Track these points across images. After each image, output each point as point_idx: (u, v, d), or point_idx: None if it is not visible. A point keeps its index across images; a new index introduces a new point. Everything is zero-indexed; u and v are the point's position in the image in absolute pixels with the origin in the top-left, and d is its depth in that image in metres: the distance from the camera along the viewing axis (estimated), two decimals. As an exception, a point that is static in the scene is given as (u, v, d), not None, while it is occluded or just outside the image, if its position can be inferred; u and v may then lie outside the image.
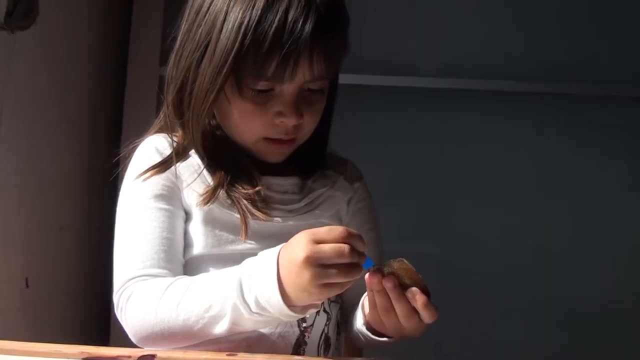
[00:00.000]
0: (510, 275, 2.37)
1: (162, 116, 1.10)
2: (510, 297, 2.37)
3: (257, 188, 1.04)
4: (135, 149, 1.10)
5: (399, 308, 0.90)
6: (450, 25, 2.45)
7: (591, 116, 2.40)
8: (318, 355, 1.05)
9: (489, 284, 2.35)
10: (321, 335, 1.06)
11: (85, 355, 0.84)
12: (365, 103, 2.38)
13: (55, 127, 1.88)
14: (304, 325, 1.03)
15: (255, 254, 0.93)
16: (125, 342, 0.96)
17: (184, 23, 1.04)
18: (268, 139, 1.03)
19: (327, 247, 0.84)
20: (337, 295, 1.11)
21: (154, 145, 1.08)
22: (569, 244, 2.39)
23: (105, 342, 1.97)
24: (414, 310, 0.90)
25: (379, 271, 0.90)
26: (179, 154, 1.06)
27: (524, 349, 2.36)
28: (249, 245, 1.02)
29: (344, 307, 1.13)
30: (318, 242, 0.85)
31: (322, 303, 1.04)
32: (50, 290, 1.87)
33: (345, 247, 0.84)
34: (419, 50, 2.44)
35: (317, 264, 0.83)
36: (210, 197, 1.02)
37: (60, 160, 1.91)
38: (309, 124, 1.04)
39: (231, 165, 1.06)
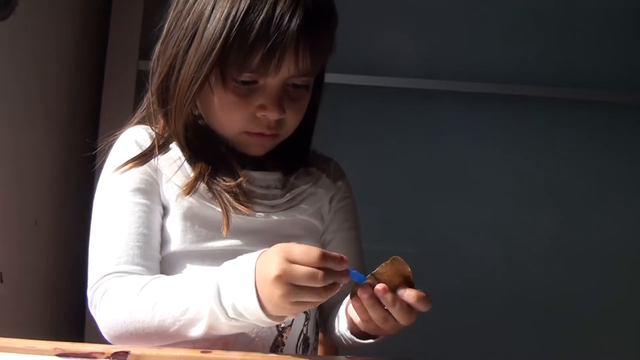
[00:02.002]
0: (488, 275, 2.39)
1: (145, 106, 1.09)
2: (488, 296, 2.38)
3: (238, 180, 1.03)
4: (114, 141, 1.08)
5: (396, 311, 0.89)
6: (432, 26, 2.46)
7: (570, 119, 2.43)
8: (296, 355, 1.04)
9: (468, 284, 2.36)
10: (300, 335, 1.05)
11: (59, 352, 0.84)
12: (345, 102, 2.38)
13: (33, 120, 1.85)
14: (282, 325, 1.03)
15: (236, 251, 0.92)
16: (99, 338, 0.95)
17: (172, 11, 1.04)
18: (249, 132, 1.03)
19: (299, 270, 0.82)
20: None
21: (133, 138, 1.07)
22: (546, 245, 2.41)
23: (80, 338, 1.96)
24: (409, 306, 0.89)
25: (369, 286, 0.89)
26: (159, 147, 1.05)
27: (501, 347, 2.38)
28: (229, 241, 1.02)
29: (322, 308, 1.13)
30: (292, 261, 0.82)
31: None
32: (25, 286, 1.85)
33: (318, 272, 0.82)
34: (400, 51, 2.45)
35: (288, 284, 0.82)
36: (190, 188, 1.01)
37: (36, 154, 1.89)
38: (292, 119, 1.03)
39: (213, 157, 1.05)
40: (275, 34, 0.93)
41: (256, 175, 1.07)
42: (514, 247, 2.41)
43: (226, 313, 0.86)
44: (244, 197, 1.03)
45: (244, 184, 1.04)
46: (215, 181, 1.02)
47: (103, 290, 0.94)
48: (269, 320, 0.86)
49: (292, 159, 1.11)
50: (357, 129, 2.43)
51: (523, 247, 2.41)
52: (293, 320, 1.04)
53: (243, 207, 1.01)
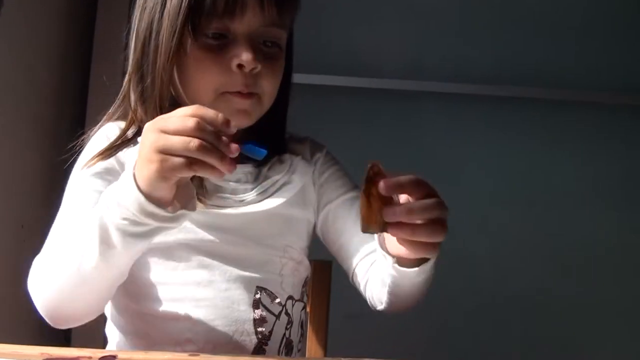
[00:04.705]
0: (475, 275, 2.40)
1: (120, 100, 1.09)
2: (475, 295, 2.40)
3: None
4: (88, 141, 1.09)
5: (417, 209, 0.85)
6: (415, 28, 2.47)
7: (555, 119, 2.44)
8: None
9: (455, 283, 2.37)
10: (282, 340, 1.05)
11: (46, 356, 0.83)
12: (329, 103, 2.38)
13: (18, 122, 1.85)
14: (260, 329, 1.03)
15: (213, 244, 0.94)
16: (86, 342, 0.95)
17: None
18: (227, 95, 1.01)
19: (172, 119, 0.80)
20: (302, 290, 1.11)
21: (104, 133, 1.07)
22: (533, 244, 2.43)
23: (66, 342, 1.95)
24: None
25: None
26: (128, 139, 1.04)
27: (488, 345, 2.40)
28: (200, 235, 1.01)
29: (368, 285, 1.10)
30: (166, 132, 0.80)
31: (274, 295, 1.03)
32: (10, 289, 1.85)
33: (191, 120, 0.79)
34: (383, 52, 2.45)
35: (159, 131, 0.79)
36: None
37: (22, 157, 1.88)
38: (268, 79, 1.02)
39: None
40: None
41: None
42: (500, 246, 2.42)
43: (111, 213, 0.83)
44: (204, 191, 1.01)
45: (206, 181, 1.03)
46: None
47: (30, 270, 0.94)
48: (152, 206, 0.81)
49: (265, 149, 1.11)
50: (341, 130, 2.43)
51: (509, 247, 2.42)
52: (274, 325, 1.04)
53: (198, 202, 0.98)
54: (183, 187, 0.85)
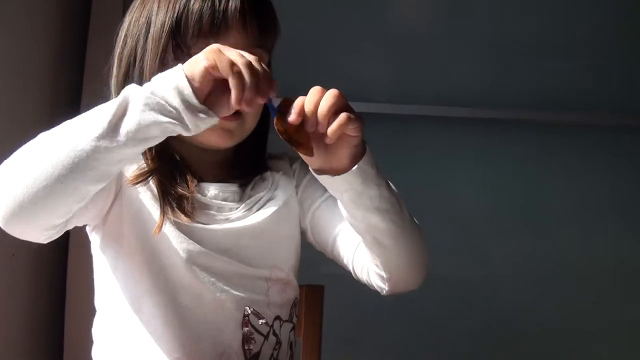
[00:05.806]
0: (467, 298, 2.39)
1: None
2: (467, 318, 2.39)
3: (190, 190, 1.03)
4: None
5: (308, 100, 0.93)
6: (404, 51, 2.48)
7: (545, 141, 2.45)
8: None
9: (447, 305, 2.37)
10: None
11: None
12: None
13: (11, 131, 1.84)
14: (248, 349, 1.03)
15: (202, 259, 0.96)
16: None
17: (128, 15, 1.09)
18: None
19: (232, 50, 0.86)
20: (291, 311, 1.12)
21: None
22: (525, 266, 2.42)
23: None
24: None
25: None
26: None
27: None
28: (190, 247, 1.02)
29: (346, 255, 1.13)
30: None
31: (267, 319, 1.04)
32: (2, 318, 1.84)
33: (252, 57, 0.86)
34: (373, 76, 2.46)
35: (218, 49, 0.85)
36: (139, 178, 1.01)
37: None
38: None
39: (170, 165, 1.05)
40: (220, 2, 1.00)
41: (212, 188, 1.07)
42: (492, 269, 2.42)
43: (140, 89, 0.85)
44: (189, 206, 1.03)
45: (197, 195, 1.04)
46: (166, 183, 1.03)
47: None
48: (186, 84, 0.83)
49: (248, 170, 1.12)
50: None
51: (502, 269, 2.42)
52: (262, 346, 1.04)
53: (183, 214, 1.01)
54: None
